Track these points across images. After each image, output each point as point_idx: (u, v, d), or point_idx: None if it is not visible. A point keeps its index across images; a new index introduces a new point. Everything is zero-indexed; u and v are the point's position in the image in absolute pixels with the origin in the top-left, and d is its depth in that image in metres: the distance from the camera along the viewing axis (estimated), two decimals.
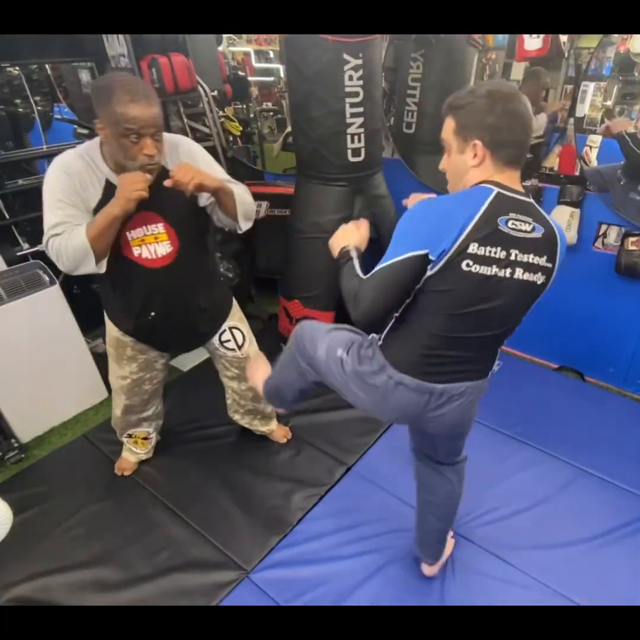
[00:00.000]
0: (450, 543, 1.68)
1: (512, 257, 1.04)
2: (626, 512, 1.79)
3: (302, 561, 1.68)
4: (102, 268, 1.40)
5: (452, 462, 1.46)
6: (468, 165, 1.06)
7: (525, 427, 2.16)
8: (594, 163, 2.03)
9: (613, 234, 2.11)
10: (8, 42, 2.01)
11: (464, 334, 1.10)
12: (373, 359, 1.19)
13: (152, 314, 1.58)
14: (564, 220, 2.15)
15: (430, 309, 1.08)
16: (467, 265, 1.01)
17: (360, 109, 2.07)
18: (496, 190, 1.02)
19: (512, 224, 1.03)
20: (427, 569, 1.62)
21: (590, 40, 1.87)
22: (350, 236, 1.25)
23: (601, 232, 2.14)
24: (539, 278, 1.09)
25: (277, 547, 1.73)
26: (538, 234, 1.06)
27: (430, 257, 1.01)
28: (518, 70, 2.13)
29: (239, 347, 1.82)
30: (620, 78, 1.86)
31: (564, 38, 1.92)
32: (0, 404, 2.11)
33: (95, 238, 1.32)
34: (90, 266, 1.36)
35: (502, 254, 1.02)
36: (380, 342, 1.21)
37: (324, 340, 1.32)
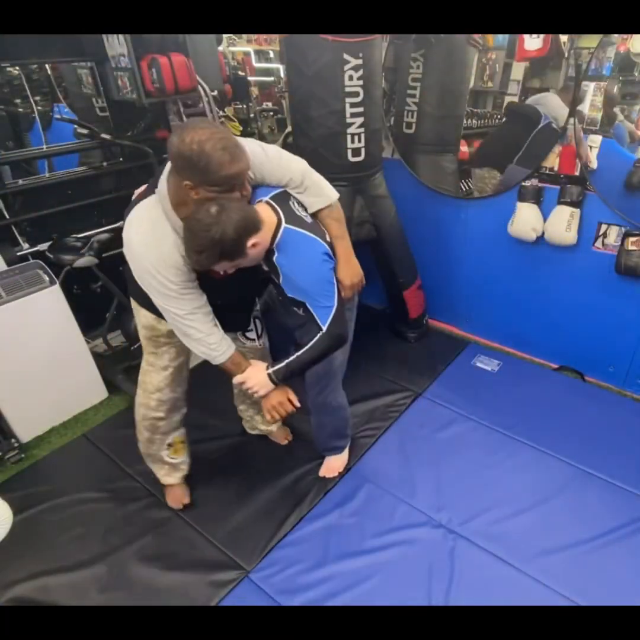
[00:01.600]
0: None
1: None
2: (626, 512, 1.79)
3: (302, 561, 1.68)
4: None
5: None
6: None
7: (525, 427, 2.16)
8: (594, 163, 2.03)
9: (613, 234, 2.11)
10: (8, 42, 2.01)
11: None
12: None
13: (219, 302, 1.54)
14: (564, 220, 2.15)
15: None
16: None
17: (360, 109, 2.07)
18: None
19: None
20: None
21: (590, 40, 1.87)
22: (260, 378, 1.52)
23: (601, 232, 2.14)
24: None
25: (277, 547, 1.74)
26: None
27: None
28: (518, 70, 2.13)
29: (259, 337, 1.83)
30: (620, 78, 1.86)
31: (564, 38, 1.92)
32: (0, 404, 2.11)
33: (228, 370, 1.51)
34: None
35: None
36: None
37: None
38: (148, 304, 1.54)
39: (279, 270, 1.41)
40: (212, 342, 1.45)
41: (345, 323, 1.51)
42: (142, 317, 1.60)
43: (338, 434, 1.97)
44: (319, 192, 1.49)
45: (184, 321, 1.40)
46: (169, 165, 1.30)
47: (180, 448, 1.91)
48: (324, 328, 1.43)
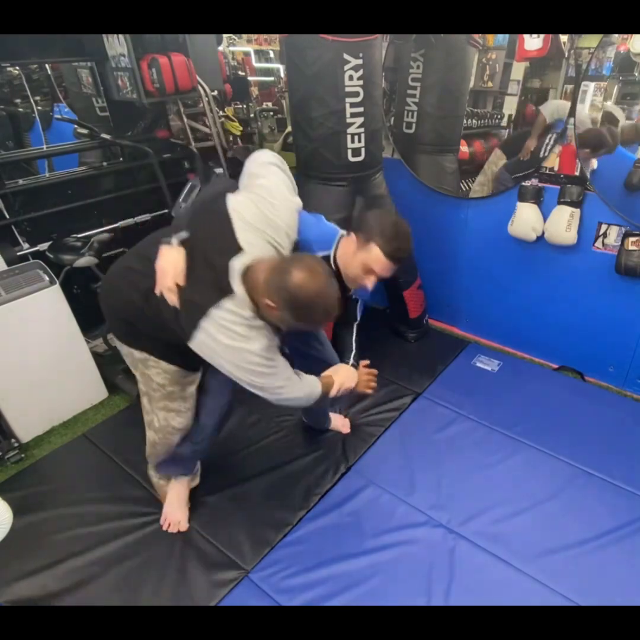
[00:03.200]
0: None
1: None
2: (626, 512, 1.79)
3: (302, 561, 1.68)
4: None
5: None
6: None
7: (525, 427, 2.16)
8: (594, 163, 2.03)
9: (613, 234, 2.11)
10: (8, 42, 2.01)
11: None
12: None
13: None
14: (564, 220, 2.15)
15: None
16: None
17: (360, 109, 2.07)
18: None
19: None
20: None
21: (590, 40, 1.87)
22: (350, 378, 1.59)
23: (601, 232, 2.14)
24: None
25: (277, 547, 1.73)
26: None
27: None
28: (518, 70, 2.13)
29: None
30: (620, 78, 1.86)
31: (564, 38, 1.92)
32: (0, 404, 2.11)
33: (325, 391, 1.52)
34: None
35: None
36: None
37: None
38: (171, 355, 1.46)
39: None
40: (305, 383, 1.46)
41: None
42: (163, 371, 1.49)
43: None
44: None
45: (289, 388, 1.40)
46: (241, 262, 1.24)
47: None
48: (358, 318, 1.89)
